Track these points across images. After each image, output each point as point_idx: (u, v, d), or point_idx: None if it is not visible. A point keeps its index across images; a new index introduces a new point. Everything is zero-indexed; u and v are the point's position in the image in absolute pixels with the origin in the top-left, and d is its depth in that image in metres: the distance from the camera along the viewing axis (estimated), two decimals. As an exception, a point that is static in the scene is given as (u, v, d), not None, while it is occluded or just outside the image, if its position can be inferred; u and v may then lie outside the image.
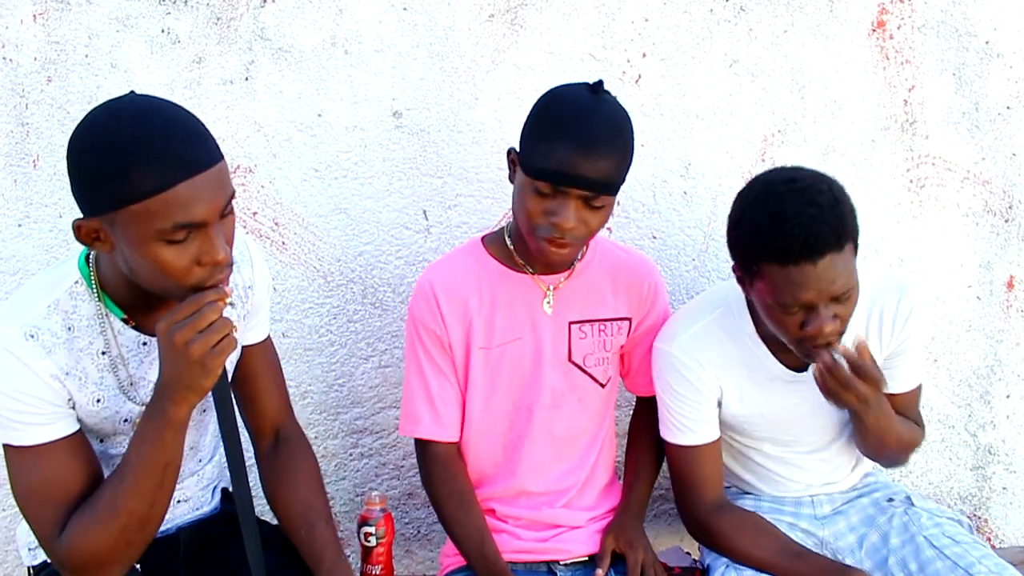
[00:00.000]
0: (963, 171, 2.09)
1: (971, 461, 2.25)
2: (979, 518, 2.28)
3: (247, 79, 1.74)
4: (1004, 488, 2.28)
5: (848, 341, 1.42)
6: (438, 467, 1.57)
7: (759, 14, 1.94)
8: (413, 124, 1.83)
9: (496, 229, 1.64)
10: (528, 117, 1.47)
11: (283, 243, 1.82)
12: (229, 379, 1.37)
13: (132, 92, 1.14)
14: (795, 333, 1.40)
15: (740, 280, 1.49)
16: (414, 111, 1.82)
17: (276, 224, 1.81)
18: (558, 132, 1.37)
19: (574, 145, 1.35)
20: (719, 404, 1.60)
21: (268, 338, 1.47)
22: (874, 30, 2.00)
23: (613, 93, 1.47)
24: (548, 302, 1.55)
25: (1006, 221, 2.15)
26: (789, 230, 1.33)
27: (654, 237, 1.99)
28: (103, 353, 1.22)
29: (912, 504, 1.67)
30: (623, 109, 1.44)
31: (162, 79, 1.69)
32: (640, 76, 1.91)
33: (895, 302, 1.56)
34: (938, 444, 2.26)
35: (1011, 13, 2.06)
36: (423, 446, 1.59)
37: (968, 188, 2.11)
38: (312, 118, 1.78)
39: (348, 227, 1.85)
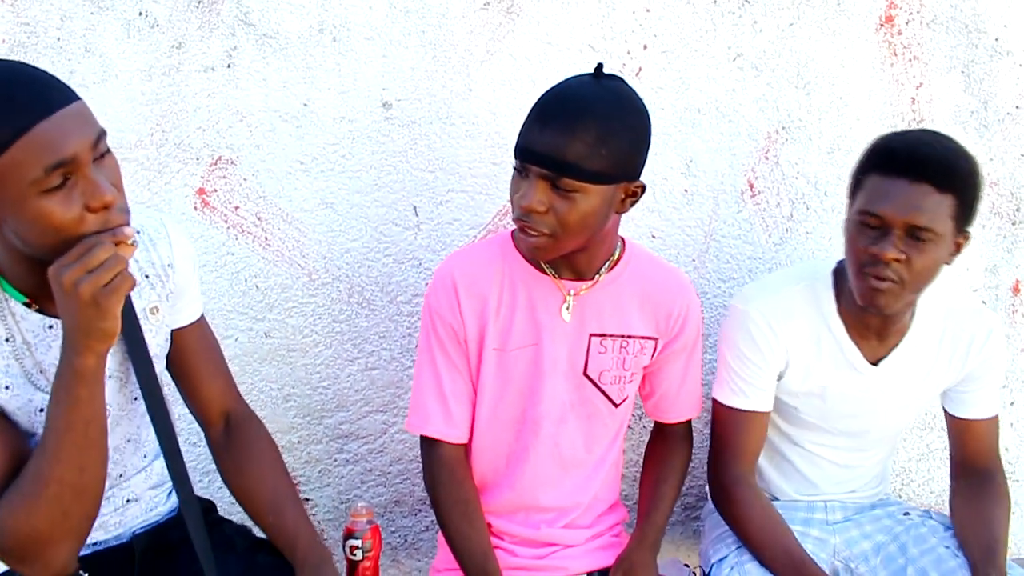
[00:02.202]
0: (970, 172, 2.04)
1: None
2: (980, 528, 2.23)
3: (229, 66, 1.65)
4: (1006, 497, 2.23)
5: None
6: (445, 472, 1.49)
7: (764, 6, 1.87)
8: (404, 116, 1.75)
9: None
10: None
11: (266, 239, 1.74)
12: (157, 367, 1.29)
13: None
14: (861, 255, 1.41)
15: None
16: (405, 102, 1.75)
17: (259, 219, 1.73)
18: (534, 108, 1.32)
19: (537, 118, 1.30)
20: (779, 377, 1.58)
21: (202, 318, 1.40)
22: (882, 25, 1.94)
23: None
24: (567, 307, 1.46)
25: (1013, 224, 2.10)
26: (903, 145, 1.41)
27: (653, 236, 1.93)
28: (7, 340, 1.15)
29: (931, 517, 1.66)
30: (624, 97, 1.32)
31: (139, 65, 1.61)
32: (640, 69, 1.84)
33: (973, 325, 1.56)
34: (941, 452, 2.21)
35: (1021, 10, 2.01)
36: (430, 446, 1.51)
37: (975, 189, 2.06)
38: (298, 108, 1.70)
39: (334, 223, 1.77)
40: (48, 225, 1.03)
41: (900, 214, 1.36)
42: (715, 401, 1.61)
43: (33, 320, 1.17)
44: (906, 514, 1.68)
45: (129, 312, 1.24)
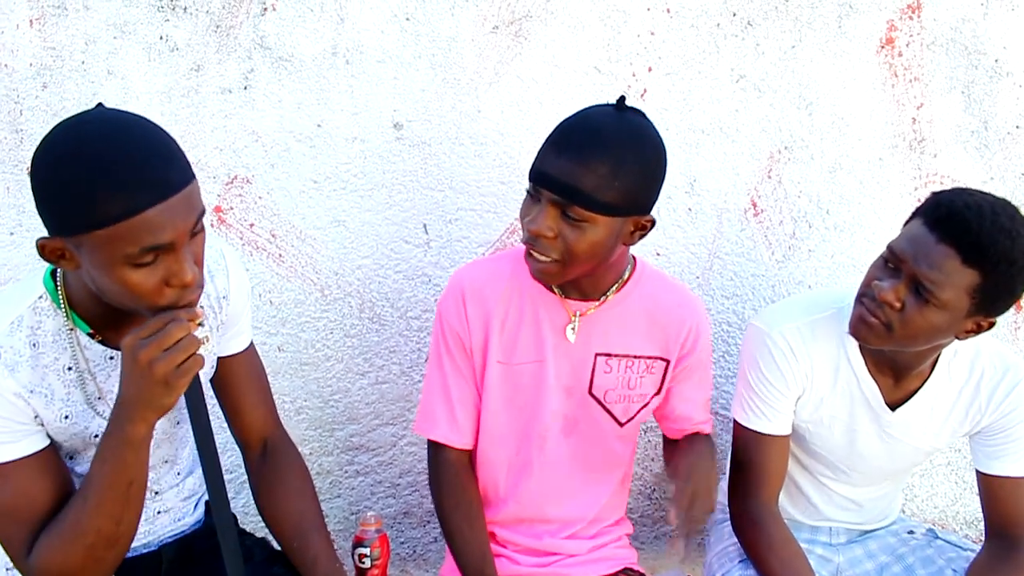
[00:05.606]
0: (971, 191, 2.07)
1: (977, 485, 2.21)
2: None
3: (246, 88, 1.71)
4: (1011, 513, 2.24)
5: None
6: (450, 475, 1.52)
7: (767, 29, 1.91)
8: (414, 136, 1.80)
9: None
10: None
11: (280, 255, 1.79)
12: (205, 390, 1.33)
13: (100, 105, 1.10)
14: (867, 283, 1.39)
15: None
16: (415, 123, 1.80)
17: (273, 236, 1.78)
18: (552, 133, 1.32)
19: (554, 143, 1.30)
20: (796, 400, 1.54)
21: (251, 347, 1.44)
22: (883, 47, 1.98)
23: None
24: (572, 328, 1.47)
25: (1014, 242, 2.12)
26: (951, 202, 1.33)
27: (658, 254, 1.96)
28: (69, 368, 1.19)
29: (936, 536, 1.64)
30: (643, 132, 1.31)
31: (159, 87, 1.67)
32: (645, 90, 1.88)
33: (998, 376, 1.48)
34: (944, 468, 2.22)
35: (1021, 32, 2.04)
36: (436, 450, 1.54)
37: (976, 208, 2.08)
38: (311, 128, 1.75)
39: (346, 240, 1.81)
40: (126, 290, 1.07)
41: (912, 263, 1.31)
42: (736, 423, 1.57)
43: (96, 350, 1.21)
44: (910, 532, 1.67)
45: None
